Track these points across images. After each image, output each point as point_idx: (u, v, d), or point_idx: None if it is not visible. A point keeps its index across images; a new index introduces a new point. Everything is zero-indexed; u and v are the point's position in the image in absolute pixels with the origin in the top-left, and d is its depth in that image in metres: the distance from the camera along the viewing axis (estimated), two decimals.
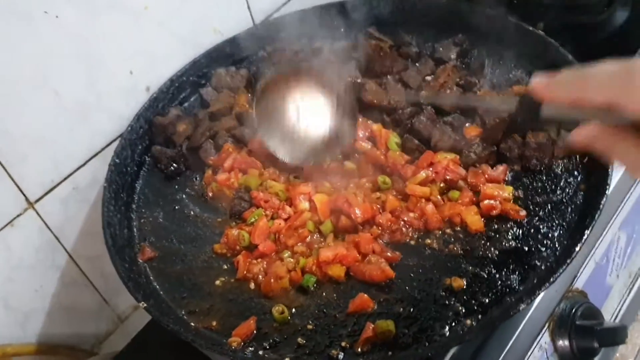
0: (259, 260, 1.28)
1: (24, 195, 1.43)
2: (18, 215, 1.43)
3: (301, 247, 1.28)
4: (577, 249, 1.10)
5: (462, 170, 1.32)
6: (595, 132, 0.70)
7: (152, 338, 1.59)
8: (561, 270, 1.08)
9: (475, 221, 1.24)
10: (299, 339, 1.14)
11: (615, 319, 1.50)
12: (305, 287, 1.21)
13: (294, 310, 1.19)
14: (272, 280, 1.22)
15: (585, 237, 1.11)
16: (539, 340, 1.24)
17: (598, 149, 0.71)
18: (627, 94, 0.64)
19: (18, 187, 1.41)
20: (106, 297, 1.70)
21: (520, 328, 1.22)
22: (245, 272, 1.26)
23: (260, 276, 1.25)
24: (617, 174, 1.37)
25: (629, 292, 1.53)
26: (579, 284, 1.33)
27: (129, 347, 1.58)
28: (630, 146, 0.68)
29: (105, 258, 1.59)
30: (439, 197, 1.30)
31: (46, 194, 1.47)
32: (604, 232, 1.37)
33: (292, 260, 1.26)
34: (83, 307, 1.66)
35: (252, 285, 1.25)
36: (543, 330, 1.26)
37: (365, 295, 1.16)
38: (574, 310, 1.28)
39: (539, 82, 0.72)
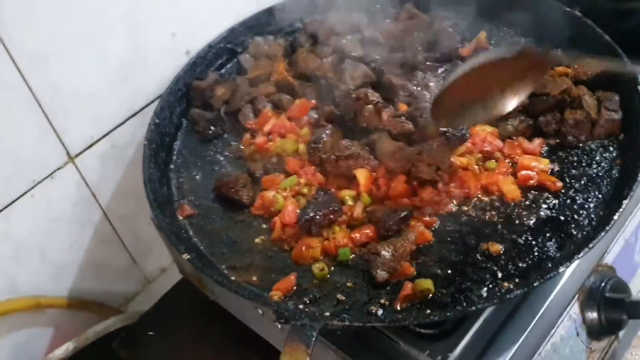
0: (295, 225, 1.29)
1: (65, 148, 1.46)
2: (59, 168, 1.46)
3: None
4: (616, 217, 1.13)
5: (499, 142, 1.34)
6: None
7: (177, 300, 1.63)
8: (599, 237, 1.10)
9: (512, 190, 1.26)
10: (339, 295, 1.16)
11: None
12: (343, 261, 1.22)
13: (333, 268, 1.22)
14: (303, 248, 1.24)
15: (623, 206, 1.14)
16: (569, 311, 1.26)
17: None
18: None
19: (60, 139, 1.44)
20: (135, 257, 1.73)
21: (550, 298, 1.25)
22: (280, 235, 1.28)
23: (293, 241, 1.27)
24: None
25: None
26: (608, 259, 1.35)
27: (155, 307, 1.62)
28: None
29: (138, 218, 1.64)
30: (476, 167, 1.32)
31: (86, 149, 1.50)
32: (634, 211, 1.39)
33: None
34: (113, 265, 1.69)
35: (286, 247, 1.27)
36: (572, 302, 1.28)
37: (406, 262, 1.19)
38: (603, 283, 1.30)
39: None
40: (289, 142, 1.44)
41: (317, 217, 1.23)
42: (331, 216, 1.24)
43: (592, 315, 1.29)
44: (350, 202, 1.30)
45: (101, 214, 1.60)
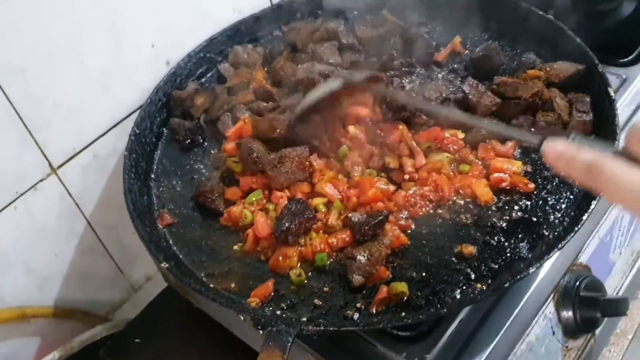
0: (270, 236, 1.29)
1: (48, 160, 1.47)
2: (41, 180, 1.47)
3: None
4: (585, 217, 1.15)
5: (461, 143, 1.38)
6: None
7: (163, 307, 1.64)
8: (569, 238, 1.12)
9: (485, 193, 1.28)
10: (316, 300, 1.18)
11: (617, 294, 1.54)
12: (320, 266, 1.24)
13: (310, 273, 1.24)
14: (279, 258, 1.25)
15: (592, 207, 1.16)
16: (544, 310, 1.29)
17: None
18: (596, 185, 0.81)
19: (42, 152, 1.45)
20: (121, 265, 1.75)
21: (525, 298, 1.27)
22: (253, 246, 1.30)
23: (269, 251, 1.28)
24: None
25: (631, 269, 1.57)
26: (583, 259, 1.37)
27: (141, 315, 1.63)
28: None
29: (122, 227, 1.65)
30: (449, 170, 1.34)
31: (68, 160, 1.51)
32: (608, 211, 1.41)
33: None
34: (99, 274, 1.71)
35: (262, 257, 1.29)
36: (548, 301, 1.30)
37: (382, 266, 1.20)
38: (578, 282, 1.32)
39: (547, 150, 0.90)
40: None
41: (293, 226, 1.23)
42: (307, 224, 1.25)
43: (568, 314, 1.31)
44: (323, 209, 1.31)
45: (85, 224, 1.62)
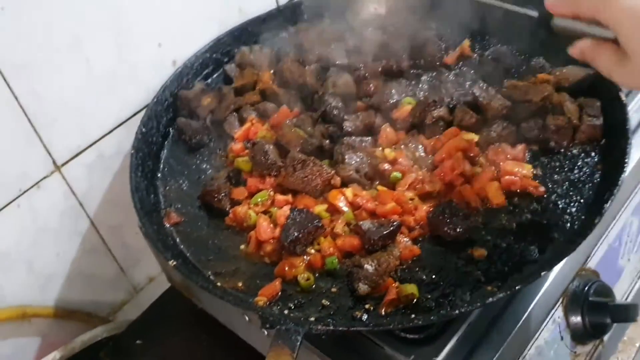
0: (272, 241, 1.28)
1: (52, 157, 1.46)
2: (45, 177, 1.46)
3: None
4: (597, 221, 1.14)
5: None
6: (586, 45, 1.00)
7: (165, 309, 1.63)
8: (581, 241, 1.11)
9: (497, 195, 1.27)
10: (323, 301, 1.17)
11: (626, 299, 1.53)
12: (330, 270, 1.22)
13: (317, 274, 1.22)
14: (285, 267, 1.23)
15: (604, 210, 1.15)
16: (553, 315, 1.27)
17: (587, 59, 1.01)
18: (603, 11, 0.89)
19: (46, 149, 1.44)
20: (124, 266, 1.73)
21: (534, 302, 1.25)
22: (256, 249, 1.28)
23: (273, 255, 1.26)
24: (631, 161, 1.41)
25: None
26: (591, 264, 1.36)
27: (142, 316, 1.62)
28: (608, 54, 0.96)
29: (126, 228, 1.64)
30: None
31: (72, 158, 1.50)
32: (617, 216, 1.41)
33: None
34: (101, 274, 1.69)
35: (267, 260, 1.27)
36: (556, 306, 1.29)
37: (389, 278, 1.18)
38: (587, 287, 1.31)
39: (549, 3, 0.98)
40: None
41: (301, 236, 1.21)
42: (315, 233, 1.24)
43: (576, 319, 1.30)
44: (327, 216, 1.29)
45: (89, 223, 1.60)
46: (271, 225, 1.28)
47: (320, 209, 1.30)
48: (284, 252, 1.24)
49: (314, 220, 1.24)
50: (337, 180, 1.34)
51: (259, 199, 1.34)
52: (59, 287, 1.60)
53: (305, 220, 1.24)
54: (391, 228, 1.22)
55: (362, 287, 1.14)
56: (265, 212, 1.33)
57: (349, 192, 1.31)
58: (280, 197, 1.33)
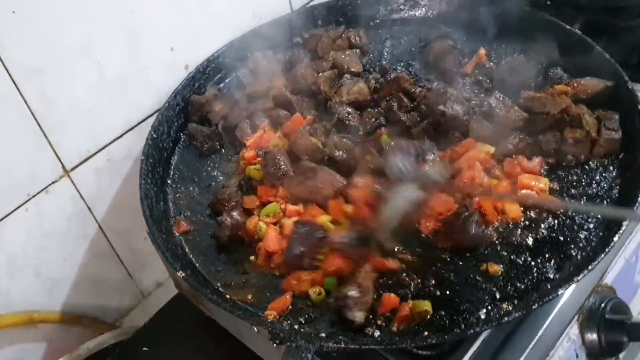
0: (281, 252, 1.25)
1: (61, 162, 1.44)
2: (53, 182, 1.45)
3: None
4: (616, 238, 1.11)
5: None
6: None
7: (173, 315, 1.61)
8: (599, 260, 1.09)
9: (513, 209, 1.25)
10: (336, 315, 1.14)
11: None
12: (328, 289, 1.19)
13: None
14: (294, 282, 1.20)
15: (622, 228, 1.12)
16: (568, 332, 1.25)
17: None
18: None
19: (56, 153, 1.43)
20: (131, 271, 1.72)
21: (549, 319, 1.23)
22: (265, 261, 1.25)
23: (283, 267, 1.24)
24: None
25: None
26: (608, 280, 1.33)
27: (150, 322, 1.60)
28: None
29: (134, 232, 1.62)
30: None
31: (82, 163, 1.49)
32: (635, 231, 1.38)
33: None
34: (108, 279, 1.68)
35: (276, 272, 1.25)
36: (572, 323, 1.27)
37: (392, 295, 1.15)
38: (603, 304, 1.28)
39: None
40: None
41: (306, 250, 1.19)
42: (319, 244, 1.21)
43: (592, 336, 1.28)
44: (331, 227, 1.26)
45: (97, 228, 1.59)
46: (279, 236, 1.26)
47: (324, 219, 1.27)
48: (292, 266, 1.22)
49: (316, 232, 1.21)
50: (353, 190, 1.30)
51: (270, 211, 1.31)
52: (66, 292, 1.59)
53: (308, 233, 1.21)
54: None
55: (358, 315, 1.11)
56: (275, 223, 1.30)
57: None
58: (291, 208, 1.31)
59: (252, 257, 1.28)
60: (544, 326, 1.22)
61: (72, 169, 1.47)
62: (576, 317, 1.27)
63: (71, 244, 1.55)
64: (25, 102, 1.33)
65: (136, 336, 1.58)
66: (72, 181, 1.48)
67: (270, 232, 1.26)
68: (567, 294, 1.25)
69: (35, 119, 1.36)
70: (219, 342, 1.48)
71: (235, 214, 1.30)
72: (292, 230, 1.23)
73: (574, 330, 1.26)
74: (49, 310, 1.56)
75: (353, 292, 1.12)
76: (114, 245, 1.65)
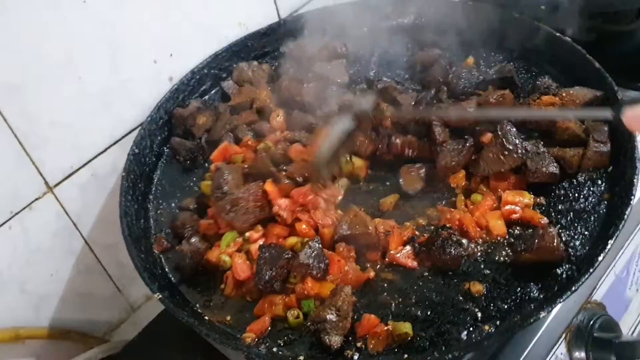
0: (251, 278, 1.22)
1: (44, 179, 1.43)
2: (37, 199, 1.43)
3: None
4: (600, 258, 1.08)
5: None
6: None
7: (163, 328, 1.59)
8: (583, 280, 1.06)
9: (498, 226, 1.22)
10: (314, 338, 1.13)
11: (633, 332, 1.48)
12: (306, 313, 1.16)
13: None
14: (265, 306, 1.18)
15: (608, 247, 1.09)
16: (555, 351, 1.23)
17: None
18: None
19: (38, 170, 1.41)
20: (120, 285, 1.70)
21: (536, 338, 1.21)
22: (235, 290, 1.23)
23: (255, 293, 1.21)
24: None
25: None
26: (597, 296, 1.31)
27: (140, 336, 1.59)
28: None
29: (121, 246, 1.59)
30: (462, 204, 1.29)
31: (65, 179, 1.47)
32: (626, 245, 1.35)
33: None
34: (96, 294, 1.66)
35: (248, 299, 1.22)
36: (560, 341, 1.24)
37: (372, 316, 1.13)
38: (592, 322, 1.26)
39: (630, 117, 0.95)
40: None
41: (275, 274, 1.17)
42: (287, 266, 1.19)
43: (580, 355, 1.26)
44: (300, 248, 1.23)
45: (83, 243, 1.57)
46: (247, 262, 1.23)
47: (294, 240, 1.25)
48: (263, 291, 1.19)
49: (283, 254, 1.19)
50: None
51: (229, 241, 1.27)
52: (53, 308, 1.57)
53: (274, 255, 1.18)
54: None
55: (335, 339, 1.09)
56: (239, 250, 1.27)
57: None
58: (252, 234, 1.28)
59: (222, 286, 1.25)
60: (530, 345, 1.20)
61: (56, 185, 1.46)
62: (564, 336, 1.25)
63: (57, 259, 1.54)
64: (5, 119, 1.31)
65: (125, 350, 1.57)
66: (56, 197, 1.47)
67: (236, 260, 1.23)
68: (555, 311, 1.23)
69: (16, 136, 1.34)
70: (207, 356, 1.46)
71: (194, 240, 1.27)
72: (258, 256, 1.20)
73: (561, 349, 1.24)
74: (36, 326, 1.55)
75: (331, 316, 1.10)
76: (101, 260, 1.63)
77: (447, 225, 1.21)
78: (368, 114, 1.33)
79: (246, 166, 1.36)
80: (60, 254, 1.54)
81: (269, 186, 1.28)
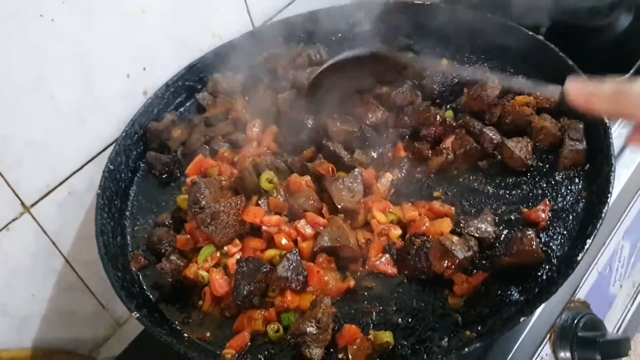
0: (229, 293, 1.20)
1: (20, 199, 1.41)
2: (14, 220, 1.41)
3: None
4: (579, 258, 1.07)
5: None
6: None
7: (150, 342, 1.56)
8: (562, 281, 1.05)
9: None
10: (295, 352, 1.11)
11: (618, 330, 1.47)
12: (286, 326, 1.15)
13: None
14: (245, 321, 1.17)
15: (587, 246, 1.09)
16: (540, 352, 1.22)
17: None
18: (624, 110, 0.89)
19: (13, 191, 1.39)
20: (103, 301, 1.69)
21: (520, 339, 1.20)
22: (213, 305, 1.21)
23: (233, 309, 1.20)
24: (619, 183, 1.35)
25: (633, 302, 1.50)
26: (581, 294, 1.30)
27: (126, 351, 1.58)
28: None
29: None
30: None
31: (42, 198, 1.45)
32: (607, 241, 1.35)
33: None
34: (80, 311, 1.64)
35: (226, 314, 1.20)
36: (544, 342, 1.24)
37: (352, 326, 1.11)
38: (576, 321, 1.25)
39: (570, 90, 0.97)
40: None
41: (253, 288, 1.16)
42: (266, 280, 1.17)
43: (565, 355, 1.25)
44: (278, 261, 1.21)
45: (63, 261, 1.56)
46: (225, 277, 1.21)
47: (273, 253, 1.23)
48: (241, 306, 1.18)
49: (261, 268, 1.17)
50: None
51: (206, 256, 1.25)
52: (36, 328, 1.56)
53: (253, 269, 1.17)
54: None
55: (316, 352, 1.07)
56: (216, 265, 1.25)
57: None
58: (230, 248, 1.26)
59: (200, 302, 1.23)
60: (515, 347, 1.20)
61: (33, 205, 1.44)
62: (548, 336, 1.24)
63: (38, 279, 1.52)
64: None
65: None
66: (33, 217, 1.45)
67: (214, 276, 1.21)
68: (539, 312, 1.22)
69: None
70: None
71: (173, 258, 1.25)
72: (235, 271, 1.18)
73: (546, 349, 1.24)
74: (20, 347, 1.53)
75: (311, 329, 1.09)
76: (83, 278, 1.61)
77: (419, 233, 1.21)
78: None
79: (228, 180, 1.35)
80: (40, 273, 1.52)
81: (254, 209, 1.27)
